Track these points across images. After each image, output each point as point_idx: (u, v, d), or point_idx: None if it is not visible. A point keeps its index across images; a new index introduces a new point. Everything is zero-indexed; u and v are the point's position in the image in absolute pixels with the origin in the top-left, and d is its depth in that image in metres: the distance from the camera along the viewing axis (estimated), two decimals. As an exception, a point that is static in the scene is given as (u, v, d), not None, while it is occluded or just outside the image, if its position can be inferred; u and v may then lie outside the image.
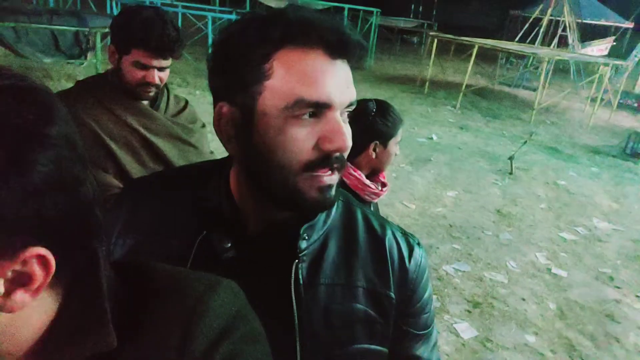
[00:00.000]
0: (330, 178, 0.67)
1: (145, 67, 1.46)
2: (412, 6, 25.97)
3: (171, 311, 0.52)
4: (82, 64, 7.59)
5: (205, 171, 0.80)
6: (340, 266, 0.75)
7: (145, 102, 1.58)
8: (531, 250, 4.30)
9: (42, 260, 0.42)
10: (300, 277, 0.71)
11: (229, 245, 0.71)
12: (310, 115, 0.64)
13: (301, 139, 0.64)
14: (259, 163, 0.67)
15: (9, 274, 0.42)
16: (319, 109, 0.63)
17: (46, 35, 6.82)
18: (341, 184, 1.36)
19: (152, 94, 1.53)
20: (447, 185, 5.65)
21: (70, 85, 1.62)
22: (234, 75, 0.66)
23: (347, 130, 0.66)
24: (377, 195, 1.44)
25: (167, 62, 1.49)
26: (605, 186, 6.44)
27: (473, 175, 6.09)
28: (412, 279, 0.79)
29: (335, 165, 0.66)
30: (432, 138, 7.57)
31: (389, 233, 0.80)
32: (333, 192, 0.69)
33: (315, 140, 0.64)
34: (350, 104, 0.67)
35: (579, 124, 10.23)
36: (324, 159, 0.65)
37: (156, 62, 1.46)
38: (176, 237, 0.73)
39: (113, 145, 1.49)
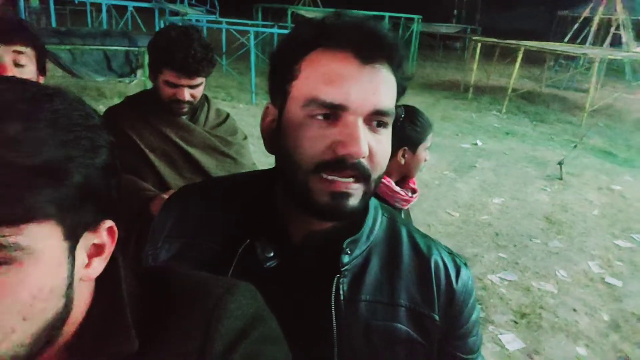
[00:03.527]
0: (348, 186, 0.64)
1: (175, 86, 1.52)
2: (455, 11, 25.54)
3: (191, 314, 0.54)
4: (132, 81, 7.98)
5: (254, 179, 0.81)
6: (383, 283, 0.73)
7: (184, 116, 1.64)
8: (583, 259, 4.10)
9: (110, 231, 0.51)
10: (342, 292, 0.70)
11: (272, 254, 0.71)
12: (326, 117, 0.63)
13: (314, 138, 0.63)
14: (282, 162, 0.69)
15: (90, 246, 0.50)
16: (335, 110, 0.63)
17: (99, 55, 7.25)
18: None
19: (185, 109, 1.58)
20: (492, 192, 5.49)
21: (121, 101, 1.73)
22: (276, 78, 0.70)
23: (365, 137, 0.63)
24: (407, 202, 1.43)
25: (196, 81, 1.54)
26: (665, 191, 6.08)
27: (520, 182, 5.89)
28: (459, 300, 0.76)
29: (351, 172, 0.64)
30: (476, 144, 7.38)
31: (435, 253, 0.78)
32: (352, 202, 0.65)
33: (330, 142, 0.63)
34: (378, 112, 0.65)
35: (635, 126, 9.71)
36: (337, 162, 0.63)
37: (184, 81, 1.51)
38: (220, 243, 0.74)
39: (152, 157, 1.58)
